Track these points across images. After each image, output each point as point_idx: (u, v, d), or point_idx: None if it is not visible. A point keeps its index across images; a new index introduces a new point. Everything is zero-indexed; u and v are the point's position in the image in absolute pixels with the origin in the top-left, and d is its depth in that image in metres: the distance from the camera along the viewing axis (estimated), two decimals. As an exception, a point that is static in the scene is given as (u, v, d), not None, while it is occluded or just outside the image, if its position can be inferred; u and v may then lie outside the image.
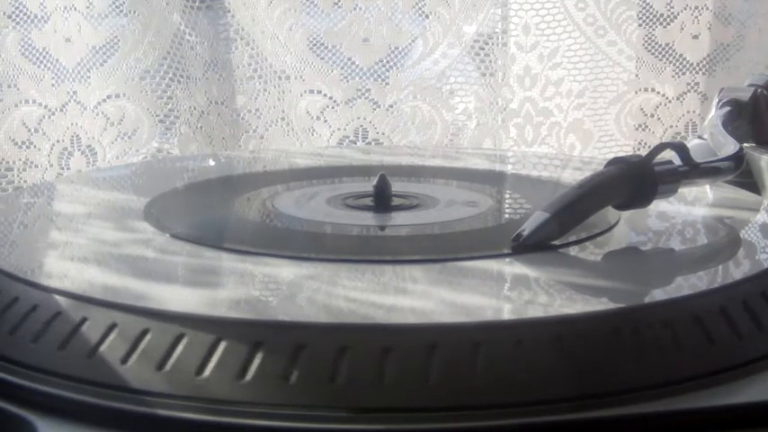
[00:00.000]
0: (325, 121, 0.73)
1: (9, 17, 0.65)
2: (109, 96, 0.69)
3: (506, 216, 0.48)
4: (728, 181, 0.48)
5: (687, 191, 0.47)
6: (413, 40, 0.73)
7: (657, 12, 0.75)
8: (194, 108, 0.71)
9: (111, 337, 0.31)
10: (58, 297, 0.33)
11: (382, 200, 0.46)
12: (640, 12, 0.75)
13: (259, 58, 0.72)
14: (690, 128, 0.77)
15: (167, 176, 0.58)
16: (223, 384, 0.29)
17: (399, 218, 0.46)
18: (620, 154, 0.48)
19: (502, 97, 0.76)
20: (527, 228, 0.39)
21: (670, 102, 0.77)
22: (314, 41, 0.72)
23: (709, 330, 0.32)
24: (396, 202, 0.47)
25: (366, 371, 0.29)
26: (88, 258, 0.40)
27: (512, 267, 0.38)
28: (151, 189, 0.51)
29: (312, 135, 0.73)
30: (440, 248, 0.42)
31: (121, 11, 0.68)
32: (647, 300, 0.36)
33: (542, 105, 0.76)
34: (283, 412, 0.29)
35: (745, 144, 0.55)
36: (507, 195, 0.53)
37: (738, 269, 0.39)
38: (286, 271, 0.37)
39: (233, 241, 0.43)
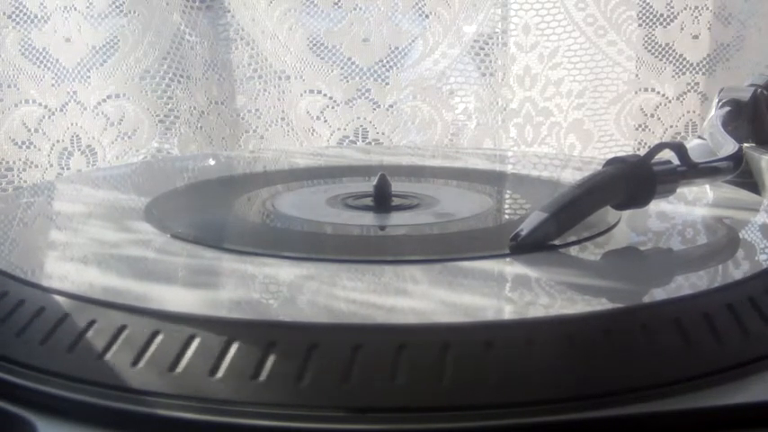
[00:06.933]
0: (325, 121, 0.73)
1: (9, 17, 0.65)
2: (109, 96, 0.69)
3: (506, 216, 0.48)
4: (728, 181, 0.48)
5: (687, 191, 0.47)
6: (413, 40, 0.73)
7: (657, 12, 0.75)
8: (194, 108, 0.71)
9: (121, 339, 0.31)
10: (65, 299, 0.33)
11: (382, 200, 0.46)
12: (640, 12, 0.75)
13: (259, 58, 0.72)
14: (690, 128, 0.77)
15: (167, 176, 0.58)
16: (237, 386, 0.29)
17: (399, 218, 0.45)
18: (620, 154, 0.48)
19: (502, 97, 0.76)
20: (525, 227, 0.39)
21: (670, 102, 0.77)
22: (314, 41, 0.72)
23: (709, 330, 0.32)
24: (396, 202, 0.47)
25: (379, 370, 0.29)
26: (90, 260, 0.40)
27: (512, 267, 0.38)
28: (151, 189, 0.51)
29: (312, 135, 0.73)
30: (440, 248, 0.42)
31: (121, 11, 0.68)
32: (646, 300, 0.36)
33: (542, 105, 0.76)
34: (297, 413, 0.28)
35: (745, 144, 0.55)
36: (507, 195, 0.53)
37: (738, 269, 0.39)
38: (286, 271, 0.37)
39: (233, 242, 0.43)
